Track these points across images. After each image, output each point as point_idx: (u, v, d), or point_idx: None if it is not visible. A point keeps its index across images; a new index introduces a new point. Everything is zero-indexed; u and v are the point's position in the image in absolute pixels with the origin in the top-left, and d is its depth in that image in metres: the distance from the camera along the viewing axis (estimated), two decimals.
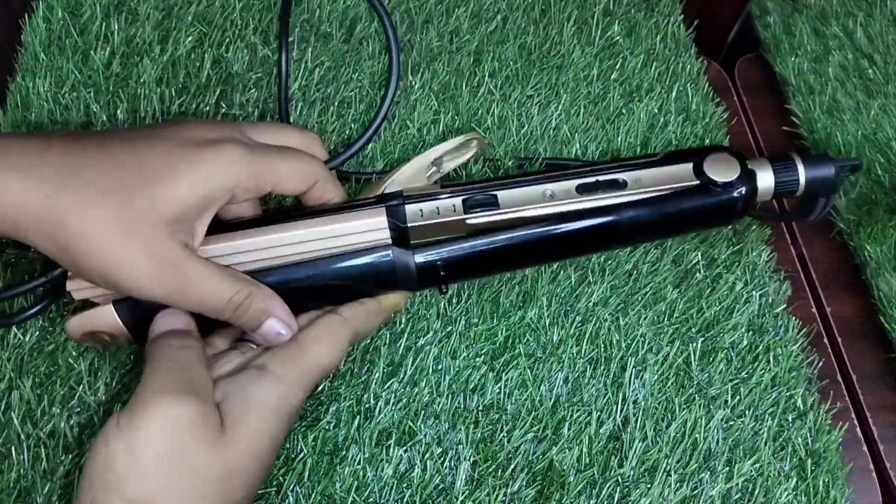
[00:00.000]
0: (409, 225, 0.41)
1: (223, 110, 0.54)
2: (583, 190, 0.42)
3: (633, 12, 0.66)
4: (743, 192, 0.43)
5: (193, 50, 0.56)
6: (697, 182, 0.42)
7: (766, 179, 0.43)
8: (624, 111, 0.60)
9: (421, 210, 0.41)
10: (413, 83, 0.58)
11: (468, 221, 0.41)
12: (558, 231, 0.42)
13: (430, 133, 0.56)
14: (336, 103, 0.56)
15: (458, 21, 0.62)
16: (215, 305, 0.38)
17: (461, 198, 0.41)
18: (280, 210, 0.47)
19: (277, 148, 0.41)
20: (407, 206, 0.41)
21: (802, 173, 0.43)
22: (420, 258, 0.41)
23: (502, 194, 0.42)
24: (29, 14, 0.55)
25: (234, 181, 0.37)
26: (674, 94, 0.61)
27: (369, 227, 0.41)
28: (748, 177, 0.43)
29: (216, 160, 0.37)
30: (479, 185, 0.42)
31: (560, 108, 0.59)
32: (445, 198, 0.42)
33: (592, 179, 0.42)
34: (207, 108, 0.54)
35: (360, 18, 0.61)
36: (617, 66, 0.62)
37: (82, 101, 0.52)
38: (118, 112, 0.52)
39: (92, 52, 0.54)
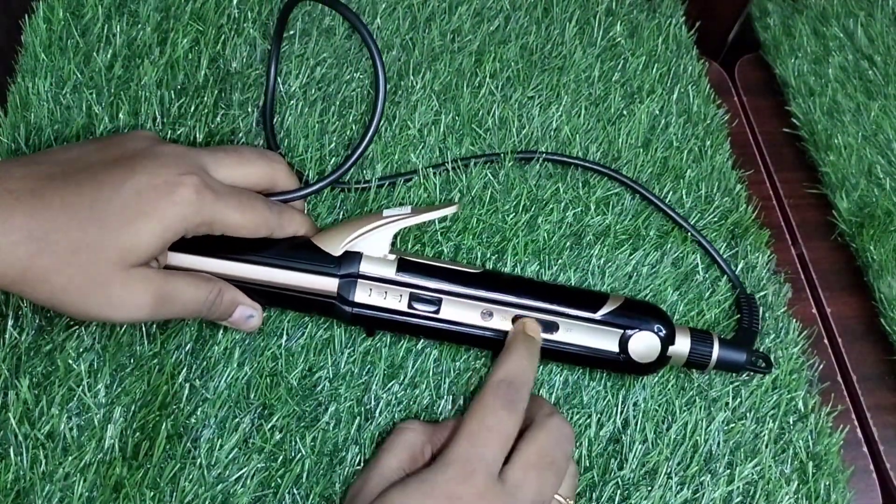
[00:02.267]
0: (353, 300, 0.44)
1: (222, 111, 0.54)
2: (516, 322, 0.45)
3: (636, 13, 0.66)
4: (651, 367, 0.46)
5: (191, 50, 0.56)
6: (617, 352, 0.45)
7: (680, 351, 0.45)
8: (625, 112, 0.59)
9: (370, 291, 0.44)
10: (414, 83, 0.58)
11: (407, 312, 0.45)
12: (483, 337, 0.45)
13: (430, 134, 0.56)
14: (338, 103, 0.56)
15: (460, 20, 0.62)
16: (197, 308, 0.42)
17: (409, 293, 0.44)
18: (252, 241, 0.45)
19: (232, 194, 0.42)
20: (358, 284, 0.44)
21: (715, 354, 0.46)
22: (356, 311, 0.45)
23: (446, 303, 0.45)
24: (29, 14, 0.55)
25: (186, 226, 0.40)
26: (675, 95, 0.61)
27: (320, 286, 0.44)
28: (661, 360, 0.45)
29: (169, 210, 0.39)
30: (428, 282, 0.45)
31: (561, 109, 0.59)
32: (395, 289, 0.45)
33: (533, 315, 0.45)
34: (206, 111, 0.54)
35: (363, 13, 0.61)
36: (618, 68, 0.62)
37: (84, 101, 0.52)
38: (120, 114, 0.52)
39: (94, 53, 0.54)
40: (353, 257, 0.45)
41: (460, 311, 0.45)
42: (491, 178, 0.54)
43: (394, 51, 0.60)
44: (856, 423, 0.53)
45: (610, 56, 0.63)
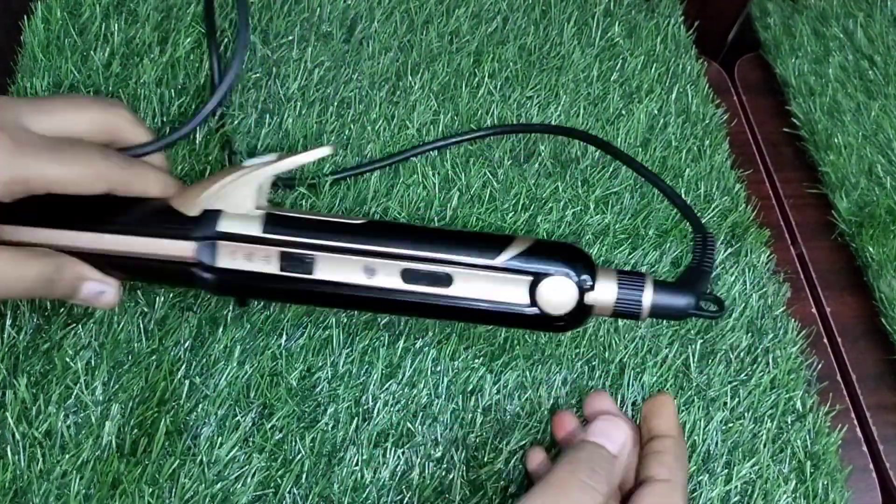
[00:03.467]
0: (215, 265, 0.39)
1: (221, 111, 0.54)
2: (406, 277, 0.39)
3: (634, 13, 0.66)
4: (569, 321, 0.40)
5: (192, 51, 0.56)
6: (527, 303, 0.39)
7: (604, 299, 0.39)
8: (624, 112, 0.59)
9: (233, 253, 0.39)
10: (413, 83, 0.58)
11: (278, 276, 0.39)
12: (368, 297, 0.40)
13: (429, 133, 0.56)
14: (335, 103, 0.56)
15: (458, 21, 0.62)
16: (28, 287, 0.37)
17: (278, 251, 0.39)
18: (95, 205, 0.40)
19: (51, 144, 0.36)
20: (219, 246, 0.39)
21: (648, 300, 0.39)
22: (220, 278, 0.39)
23: (321, 259, 0.39)
24: (28, 15, 0.55)
25: None
26: (674, 95, 0.61)
27: (175, 252, 0.39)
28: (582, 311, 0.39)
29: None
30: (301, 238, 0.39)
31: (560, 109, 0.59)
32: (262, 248, 0.39)
33: (418, 267, 0.39)
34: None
35: (360, 18, 0.61)
36: (617, 68, 0.62)
37: None
38: None
39: (91, 52, 0.54)
40: (212, 216, 0.39)
41: (339, 268, 0.39)
42: (490, 176, 0.54)
43: (391, 52, 0.60)
44: (855, 422, 0.53)
45: (608, 56, 0.63)
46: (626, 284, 0.39)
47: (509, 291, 0.38)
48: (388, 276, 0.39)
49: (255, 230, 0.38)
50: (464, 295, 0.39)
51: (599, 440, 0.39)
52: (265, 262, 0.38)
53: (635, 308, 0.39)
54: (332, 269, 0.39)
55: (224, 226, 0.38)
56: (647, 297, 0.38)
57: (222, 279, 0.39)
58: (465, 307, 0.39)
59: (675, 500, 0.38)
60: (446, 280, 0.39)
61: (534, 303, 0.38)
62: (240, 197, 0.39)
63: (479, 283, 0.38)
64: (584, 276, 0.38)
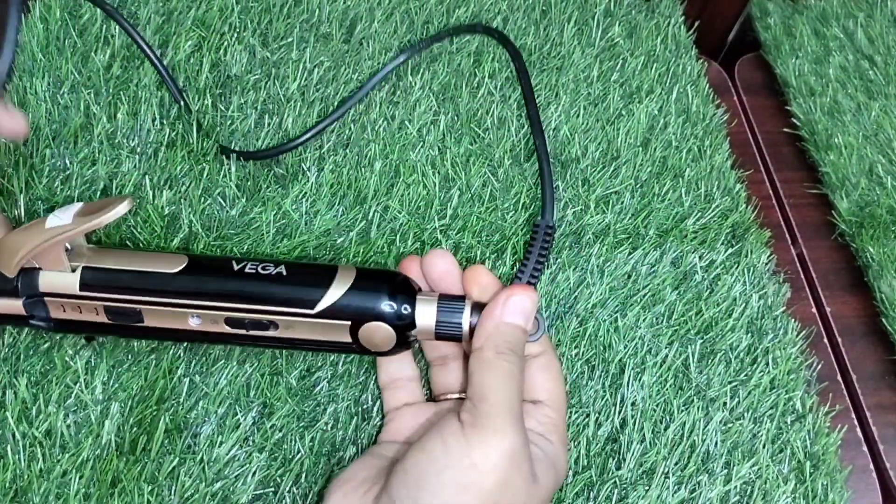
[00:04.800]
0: (49, 317, 0.40)
1: (221, 112, 0.54)
2: (231, 323, 0.40)
3: (634, 13, 0.66)
4: (396, 350, 0.41)
5: (192, 54, 0.57)
6: (350, 342, 0.40)
7: (426, 327, 0.40)
8: (624, 112, 0.59)
9: (62, 308, 0.40)
10: (413, 83, 0.58)
11: (110, 324, 0.41)
12: (200, 337, 0.42)
13: (429, 133, 0.56)
14: (335, 104, 0.56)
15: (458, 21, 0.62)
16: None
17: (102, 306, 0.40)
18: None
19: None
20: (48, 302, 0.40)
21: (467, 323, 0.40)
22: (59, 326, 0.41)
23: (147, 311, 0.40)
24: (25, 14, 0.55)
25: None
26: (674, 95, 0.61)
27: (8, 309, 0.40)
28: (403, 343, 0.41)
29: None
30: (120, 294, 0.40)
31: (560, 109, 0.59)
32: (87, 303, 0.40)
33: (241, 317, 0.40)
34: (206, 112, 0.54)
35: (360, 19, 0.61)
36: (617, 68, 0.62)
37: (82, 101, 0.52)
38: (118, 114, 0.52)
39: (92, 54, 0.55)
40: (31, 275, 0.40)
41: (165, 318, 0.40)
42: (490, 176, 0.54)
43: (391, 52, 0.60)
44: (855, 422, 0.53)
45: (608, 56, 0.63)
46: (447, 310, 0.40)
47: (332, 334, 0.40)
48: (213, 323, 0.40)
49: (73, 288, 0.39)
50: (290, 336, 0.40)
51: (513, 318, 0.40)
52: (94, 314, 0.40)
53: (456, 331, 0.40)
54: (158, 318, 0.40)
55: (44, 285, 0.40)
56: (467, 319, 0.40)
57: (60, 325, 0.41)
58: (296, 344, 0.41)
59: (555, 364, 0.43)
60: (270, 326, 0.40)
61: (357, 343, 0.40)
62: (52, 256, 0.39)
63: (303, 329, 0.40)
64: (403, 311, 0.40)
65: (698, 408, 0.47)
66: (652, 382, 0.48)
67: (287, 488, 0.42)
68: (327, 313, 0.39)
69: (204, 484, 0.42)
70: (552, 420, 0.41)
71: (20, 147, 0.50)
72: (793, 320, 0.52)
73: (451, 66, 0.60)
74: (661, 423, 0.47)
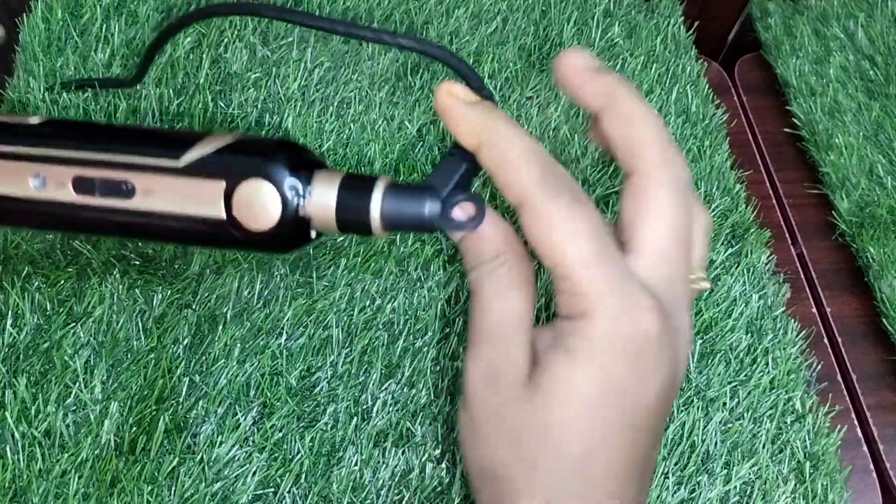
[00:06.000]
0: None
1: (221, 109, 0.54)
2: (79, 187, 0.32)
3: (634, 14, 0.66)
4: (279, 238, 0.32)
5: (192, 51, 0.57)
6: (223, 218, 0.31)
7: (321, 205, 0.31)
8: None
9: None
10: (413, 84, 0.58)
11: None
12: (40, 213, 0.33)
13: (429, 133, 0.56)
14: (335, 103, 0.56)
15: (457, 22, 0.62)
16: None
17: None
18: None
19: None
20: None
21: (377, 208, 0.31)
22: None
23: None
24: (26, 13, 0.55)
25: None
26: (673, 95, 0.61)
27: None
28: (294, 225, 0.31)
29: None
30: None
31: (560, 109, 0.59)
32: None
33: (93, 174, 0.31)
34: (205, 110, 0.54)
35: (360, 19, 0.61)
36: (617, 68, 0.62)
37: (81, 101, 0.52)
38: (118, 113, 0.52)
39: (92, 53, 0.55)
40: None
41: (3, 178, 0.32)
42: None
43: (391, 52, 0.60)
44: (855, 422, 0.53)
45: (608, 56, 0.63)
46: (351, 188, 0.31)
47: (201, 201, 0.31)
48: (59, 188, 0.32)
49: None
50: (148, 208, 0.31)
51: (457, 235, 0.33)
52: None
53: (362, 218, 0.31)
54: None
55: None
56: (376, 203, 0.30)
57: None
58: (153, 223, 0.32)
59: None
60: (126, 190, 0.31)
61: (230, 215, 0.30)
62: None
63: (166, 193, 0.31)
64: (295, 179, 0.30)
65: (698, 408, 0.47)
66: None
67: (287, 489, 0.42)
68: (196, 166, 0.30)
69: (204, 484, 0.42)
70: (658, 274, 0.31)
71: None
72: (793, 320, 0.52)
73: None
74: None
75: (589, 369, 0.29)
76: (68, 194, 0.32)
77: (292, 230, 0.31)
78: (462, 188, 0.32)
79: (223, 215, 0.30)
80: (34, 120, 0.33)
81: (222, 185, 0.30)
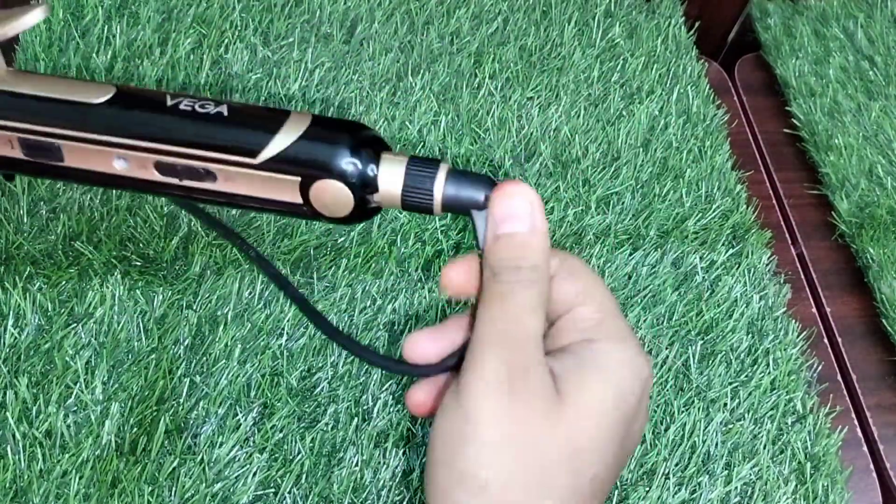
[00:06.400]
0: None
1: None
2: (162, 170, 0.34)
3: (634, 14, 0.66)
4: (354, 218, 0.34)
5: (193, 51, 0.57)
6: (300, 203, 0.34)
7: (390, 194, 0.33)
8: (624, 113, 0.59)
9: None
10: (413, 84, 0.58)
11: (28, 161, 0.35)
12: (129, 184, 0.35)
13: (430, 134, 0.56)
14: (336, 104, 0.56)
15: (458, 22, 0.62)
16: None
17: (17, 138, 0.34)
18: None
19: None
20: None
21: (440, 191, 0.33)
22: None
23: (67, 148, 0.34)
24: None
25: None
26: (674, 96, 0.61)
27: None
28: (362, 211, 0.34)
29: None
30: (36, 124, 0.34)
31: (560, 109, 0.59)
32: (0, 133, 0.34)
33: (173, 162, 0.34)
34: None
35: (360, 20, 0.61)
36: (618, 68, 0.62)
37: None
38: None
39: (94, 54, 0.55)
40: None
41: (89, 157, 0.34)
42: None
43: (392, 53, 0.60)
44: (856, 422, 0.53)
45: (609, 57, 0.63)
46: (417, 172, 0.33)
47: (279, 192, 0.33)
48: (141, 168, 0.34)
49: None
50: (230, 191, 0.34)
51: (505, 228, 0.32)
52: (10, 147, 0.34)
53: (426, 199, 0.33)
54: (80, 157, 0.34)
55: None
56: (440, 186, 0.33)
57: None
58: (236, 200, 0.34)
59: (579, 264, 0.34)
60: (208, 176, 0.34)
61: (308, 204, 0.33)
62: None
63: (245, 182, 0.33)
64: (364, 170, 0.32)
65: (699, 409, 0.47)
66: (652, 383, 0.48)
67: (287, 489, 0.42)
68: (272, 165, 0.33)
69: (204, 485, 0.42)
70: (592, 320, 0.33)
71: None
72: (793, 321, 0.52)
73: (451, 66, 0.60)
74: (662, 423, 0.47)
75: (610, 386, 0.31)
76: (153, 174, 0.34)
77: (363, 215, 0.34)
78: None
79: (300, 202, 0.33)
80: (101, 97, 0.34)
81: (297, 180, 0.32)
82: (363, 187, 0.33)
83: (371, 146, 0.33)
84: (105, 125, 0.33)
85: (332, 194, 0.33)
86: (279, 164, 0.33)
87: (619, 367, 0.31)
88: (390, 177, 0.33)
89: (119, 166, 0.34)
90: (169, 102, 0.34)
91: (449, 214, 0.38)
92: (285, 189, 0.33)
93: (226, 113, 0.34)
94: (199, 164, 0.33)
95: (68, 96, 0.34)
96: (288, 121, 0.33)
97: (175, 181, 0.34)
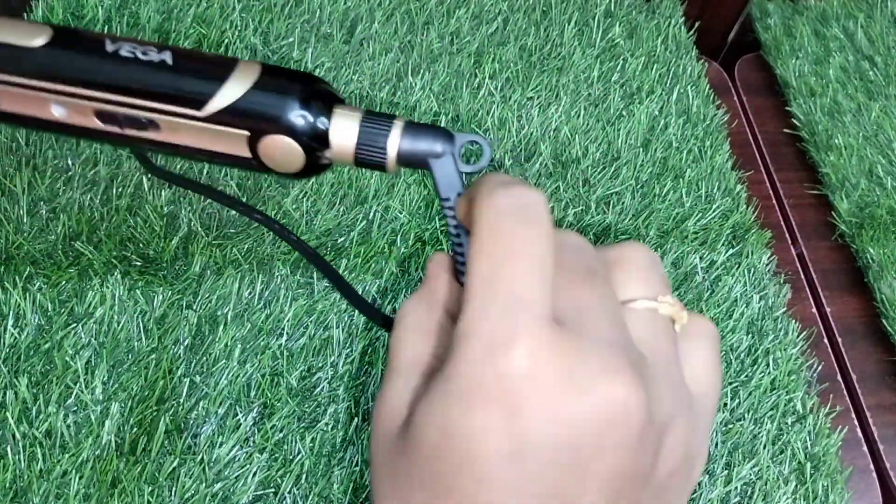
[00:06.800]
0: None
1: None
2: (103, 118, 0.32)
3: (634, 14, 0.66)
4: (304, 173, 0.33)
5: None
6: (249, 157, 0.32)
7: (343, 148, 0.31)
8: (624, 113, 0.59)
9: None
10: (413, 84, 0.58)
11: None
12: (68, 130, 0.33)
13: None
14: None
15: (458, 22, 0.62)
16: None
17: None
18: None
19: None
20: None
21: (395, 145, 0.31)
22: None
23: (3, 94, 0.33)
24: (27, 13, 0.55)
25: None
26: (674, 96, 0.61)
27: None
28: (314, 167, 0.32)
29: None
30: None
31: (560, 109, 0.59)
32: None
33: (114, 111, 0.32)
34: None
35: (360, 19, 0.61)
36: (617, 68, 0.62)
37: None
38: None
39: None
40: None
41: (25, 103, 0.33)
42: None
43: (392, 53, 0.60)
44: (856, 422, 0.53)
45: (609, 57, 0.63)
46: (371, 127, 0.31)
47: (226, 145, 0.32)
48: (81, 115, 0.32)
49: None
50: (175, 142, 0.32)
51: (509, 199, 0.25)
52: None
53: (380, 156, 0.31)
54: (17, 103, 0.33)
55: None
56: (395, 141, 0.31)
57: None
58: (180, 150, 0.32)
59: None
60: (151, 126, 0.32)
61: (256, 159, 0.32)
62: None
63: (190, 134, 0.32)
64: (316, 124, 0.31)
65: None
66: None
67: (287, 489, 0.42)
68: (218, 117, 0.31)
69: (204, 485, 0.42)
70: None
71: (23, 148, 0.50)
72: (793, 321, 0.52)
73: (451, 66, 0.60)
74: None
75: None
76: (93, 122, 0.32)
77: (313, 171, 0.32)
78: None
79: (249, 156, 0.32)
80: (38, 40, 0.32)
81: (245, 135, 0.31)
82: (314, 143, 0.31)
83: (323, 99, 0.31)
84: (40, 71, 0.32)
85: (282, 150, 0.31)
86: (226, 116, 0.31)
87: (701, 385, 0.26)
88: (344, 132, 0.31)
89: (57, 113, 0.33)
90: (109, 48, 0.32)
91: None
92: (233, 142, 0.32)
93: (170, 60, 0.32)
94: (141, 114, 0.32)
95: (2, 39, 0.32)
96: (236, 70, 0.31)
97: (116, 130, 0.33)
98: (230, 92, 0.31)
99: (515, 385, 0.22)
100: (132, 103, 0.31)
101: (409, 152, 0.31)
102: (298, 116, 0.31)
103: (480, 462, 0.23)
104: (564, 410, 0.23)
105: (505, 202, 0.25)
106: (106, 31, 0.56)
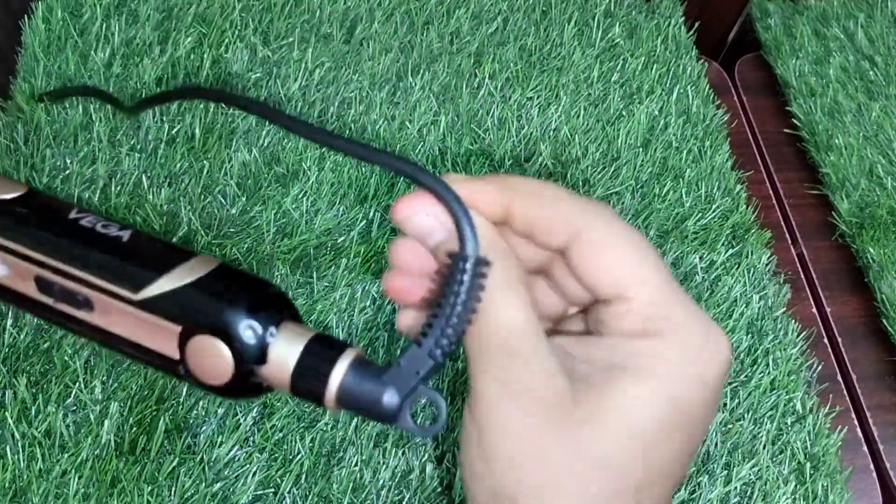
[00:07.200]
0: None
1: (221, 109, 0.54)
2: (41, 287, 0.30)
3: (634, 14, 0.66)
4: (232, 391, 0.29)
5: (193, 50, 0.56)
6: (176, 359, 0.29)
7: (280, 371, 0.28)
8: (624, 113, 0.59)
9: None
10: (413, 84, 0.58)
11: None
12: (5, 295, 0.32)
13: (429, 134, 0.56)
14: (336, 104, 0.56)
15: (458, 22, 0.62)
16: None
17: None
18: None
19: None
20: None
21: (336, 382, 0.27)
22: None
23: None
24: (28, 15, 0.55)
25: None
26: (674, 96, 0.61)
27: None
28: (243, 384, 0.28)
29: None
30: None
31: (560, 109, 0.59)
32: None
33: (53, 279, 0.30)
34: (206, 109, 0.54)
35: (360, 19, 0.61)
36: (617, 68, 0.62)
37: (81, 101, 0.52)
38: (118, 113, 0.52)
39: (92, 52, 0.54)
40: None
41: None
42: None
43: (392, 53, 0.60)
44: (856, 422, 0.53)
45: (609, 57, 0.63)
46: (315, 352, 0.28)
47: (155, 340, 0.29)
48: (21, 279, 0.30)
49: None
50: (106, 327, 0.30)
51: (429, 242, 0.28)
52: None
53: (317, 387, 0.28)
54: None
55: None
56: (335, 380, 0.27)
57: None
58: (111, 340, 0.30)
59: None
60: (86, 303, 0.30)
61: (183, 360, 0.28)
62: None
63: (122, 319, 0.29)
64: (254, 332, 0.28)
65: None
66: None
67: (287, 489, 0.42)
68: (152, 304, 0.28)
69: (204, 484, 0.41)
70: (636, 308, 0.27)
71: (21, 147, 0.50)
72: (793, 321, 0.52)
73: (451, 66, 0.60)
74: None
75: (660, 394, 0.26)
76: (31, 289, 0.30)
77: (242, 389, 0.29)
78: (424, 382, 0.29)
79: (177, 357, 0.29)
80: (9, 195, 0.31)
81: (178, 329, 0.28)
82: (247, 352, 0.28)
83: (271, 311, 0.28)
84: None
85: (211, 353, 0.28)
86: (160, 304, 0.28)
87: (671, 368, 0.26)
88: (284, 349, 0.28)
89: (1, 270, 0.31)
90: (71, 215, 0.31)
91: None
92: (163, 337, 0.29)
93: (126, 238, 0.31)
94: (77, 288, 0.30)
95: None
96: (188, 262, 0.29)
97: (49, 302, 0.31)
98: (172, 280, 0.29)
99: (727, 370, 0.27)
100: (71, 273, 0.30)
101: (350, 393, 0.27)
102: (236, 320, 0.28)
103: (703, 438, 0.29)
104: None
105: None
106: (104, 30, 0.56)
